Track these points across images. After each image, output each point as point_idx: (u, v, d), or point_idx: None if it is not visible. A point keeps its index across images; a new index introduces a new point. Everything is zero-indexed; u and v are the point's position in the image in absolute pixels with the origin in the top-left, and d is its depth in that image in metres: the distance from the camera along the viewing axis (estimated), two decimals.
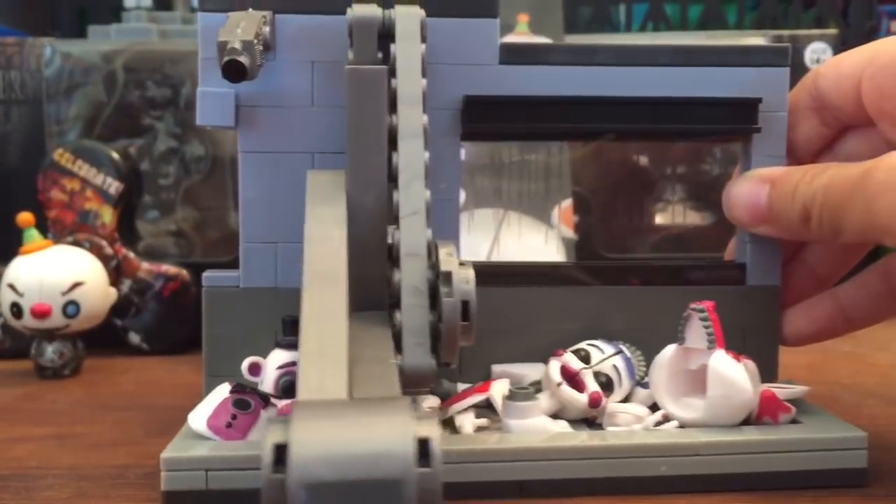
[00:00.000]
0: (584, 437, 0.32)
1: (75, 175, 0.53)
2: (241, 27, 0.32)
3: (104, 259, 0.52)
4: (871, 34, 0.74)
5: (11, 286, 0.48)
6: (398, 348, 0.29)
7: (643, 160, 0.42)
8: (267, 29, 0.33)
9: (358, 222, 0.32)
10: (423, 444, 0.20)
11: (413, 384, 0.29)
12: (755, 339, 0.38)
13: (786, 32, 0.64)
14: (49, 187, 0.53)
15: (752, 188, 0.36)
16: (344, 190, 0.32)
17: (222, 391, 0.33)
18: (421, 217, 0.31)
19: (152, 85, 0.57)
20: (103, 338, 0.53)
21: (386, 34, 0.34)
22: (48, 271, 0.48)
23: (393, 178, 0.32)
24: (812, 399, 0.42)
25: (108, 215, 0.54)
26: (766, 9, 0.77)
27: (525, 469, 0.31)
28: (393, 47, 0.33)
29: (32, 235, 0.49)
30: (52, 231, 0.53)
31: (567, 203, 0.48)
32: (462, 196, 0.47)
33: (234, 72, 0.30)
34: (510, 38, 0.57)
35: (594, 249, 0.47)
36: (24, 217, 0.49)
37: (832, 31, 0.65)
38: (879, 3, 0.78)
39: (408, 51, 0.33)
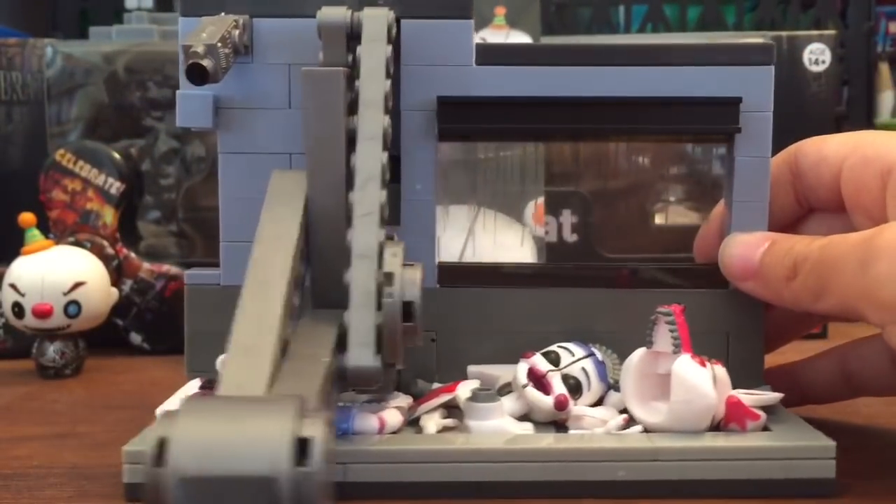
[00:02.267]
0: (543, 440, 0.32)
1: (77, 175, 0.54)
2: (208, 31, 0.32)
3: (105, 259, 0.53)
4: (869, 35, 0.74)
5: (13, 286, 0.49)
6: (345, 348, 0.29)
7: (624, 160, 0.42)
8: (237, 32, 0.34)
9: (319, 223, 0.32)
10: (304, 444, 0.20)
11: (358, 383, 0.30)
12: (739, 344, 0.37)
13: (784, 33, 0.63)
14: (50, 188, 0.54)
15: (752, 241, 0.36)
16: (304, 190, 0.32)
17: (192, 387, 0.34)
18: (374, 218, 0.31)
19: (153, 86, 0.58)
20: (105, 338, 0.53)
21: (356, 36, 0.34)
22: (50, 271, 0.49)
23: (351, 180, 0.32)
24: None
25: (109, 216, 0.55)
26: (765, 10, 0.76)
27: (482, 470, 0.31)
28: (359, 49, 0.34)
29: (34, 235, 0.50)
30: (54, 231, 0.54)
31: (539, 201, 0.48)
32: None
33: (196, 75, 0.31)
34: (487, 31, 0.57)
35: (575, 250, 0.47)
36: (26, 217, 0.49)
37: (831, 31, 0.64)
38: (878, 3, 0.78)
39: (372, 53, 0.33)
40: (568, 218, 0.43)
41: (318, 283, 0.33)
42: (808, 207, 0.38)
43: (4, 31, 0.68)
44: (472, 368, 0.37)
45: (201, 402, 0.21)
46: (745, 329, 0.37)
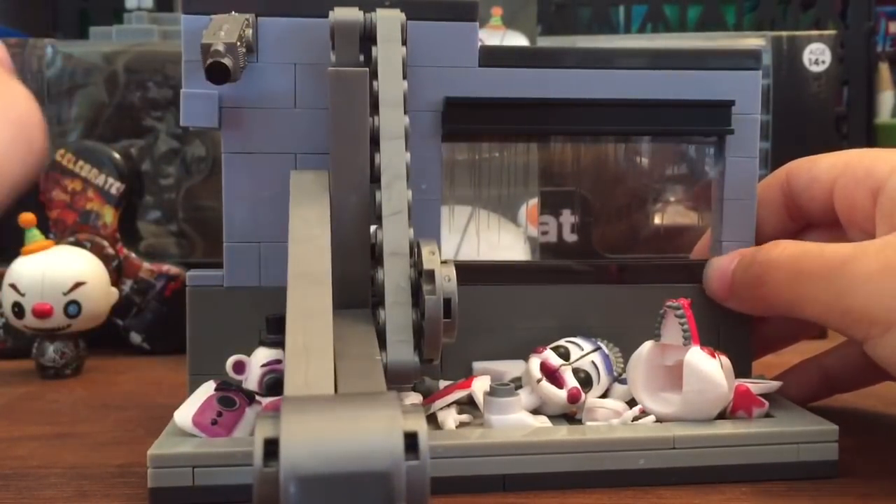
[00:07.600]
0: (565, 432, 0.33)
1: (77, 175, 0.54)
2: (225, 30, 0.32)
3: (105, 259, 0.53)
4: (869, 35, 0.74)
5: (13, 286, 0.48)
6: (382, 346, 0.30)
7: (617, 161, 0.43)
8: (250, 31, 0.34)
9: (341, 222, 0.32)
10: (411, 438, 0.21)
11: (397, 380, 0.30)
12: (730, 336, 0.39)
13: (784, 33, 0.63)
14: (50, 188, 0.54)
15: (725, 261, 0.37)
16: (327, 190, 0.32)
17: (207, 388, 0.33)
18: (403, 216, 0.31)
19: (153, 86, 0.58)
20: (105, 338, 0.53)
21: (367, 37, 0.34)
22: (50, 271, 0.48)
23: (375, 179, 0.32)
24: None
25: (109, 215, 0.54)
26: (765, 10, 0.76)
27: (508, 463, 0.31)
28: (374, 50, 0.34)
29: (34, 235, 0.49)
30: (54, 231, 0.54)
31: (533, 202, 0.49)
32: None
33: (217, 74, 0.31)
34: (483, 32, 0.58)
35: (570, 248, 0.48)
36: (26, 217, 0.49)
37: (831, 32, 0.65)
38: (878, 3, 0.77)
39: (389, 53, 0.34)
40: (567, 218, 0.44)
41: (340, 282, 0.33)
42: (802, 224, 0.39)
43: (4, 31, 0.66)
44: (477, 365, 0.38)
45: (302, 401, 0.21)
46: (734, 321, 0.39)
